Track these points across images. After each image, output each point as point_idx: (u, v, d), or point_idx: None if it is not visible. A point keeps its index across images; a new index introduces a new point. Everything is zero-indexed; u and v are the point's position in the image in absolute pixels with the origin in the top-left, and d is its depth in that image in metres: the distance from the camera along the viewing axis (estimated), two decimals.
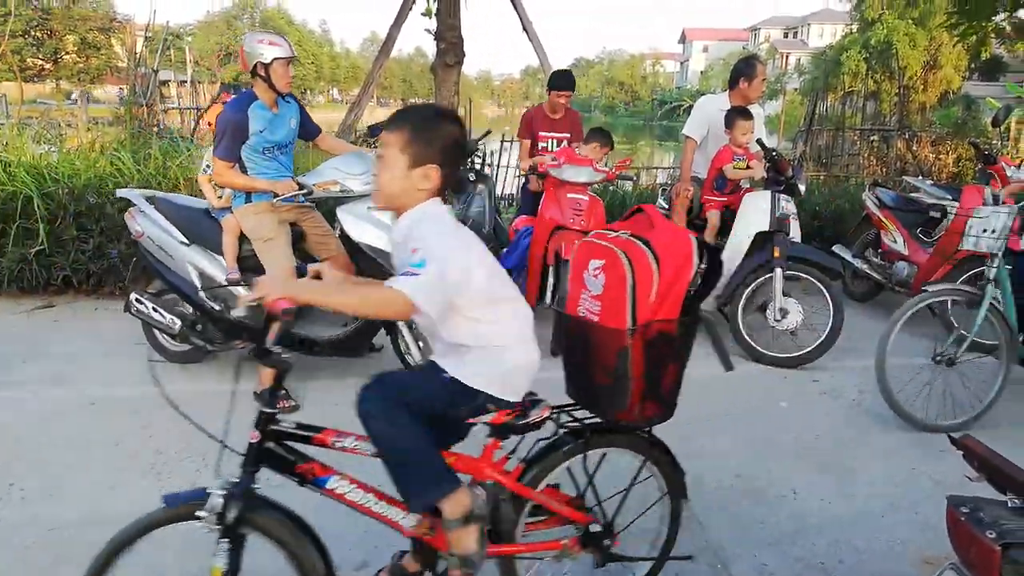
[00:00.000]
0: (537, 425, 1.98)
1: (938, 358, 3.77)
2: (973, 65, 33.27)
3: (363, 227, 3.83)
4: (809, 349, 4.61)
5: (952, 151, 9.33)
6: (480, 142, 6.19)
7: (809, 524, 2.90)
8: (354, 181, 3.84)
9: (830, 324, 4.56)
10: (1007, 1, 8.83)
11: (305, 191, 3.76)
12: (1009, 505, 1.44)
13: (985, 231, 3.75)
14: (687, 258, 1.94)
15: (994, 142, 8.63)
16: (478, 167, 6.16)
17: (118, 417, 3.62)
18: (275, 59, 3.67)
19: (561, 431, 2.11)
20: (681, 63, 79.11)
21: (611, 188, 6.57)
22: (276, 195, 3.75)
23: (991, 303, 3.68)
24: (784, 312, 4.59)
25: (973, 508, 1.41)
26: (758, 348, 4.65)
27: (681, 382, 2.10)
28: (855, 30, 37.19)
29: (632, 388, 1.96)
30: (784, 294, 4.60)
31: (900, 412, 3.75)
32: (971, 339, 3.71)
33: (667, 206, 5.36)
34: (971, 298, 3.73)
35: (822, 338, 4.58)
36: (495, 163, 8.05)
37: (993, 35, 17.05)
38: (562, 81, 5.37)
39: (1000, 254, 3.72)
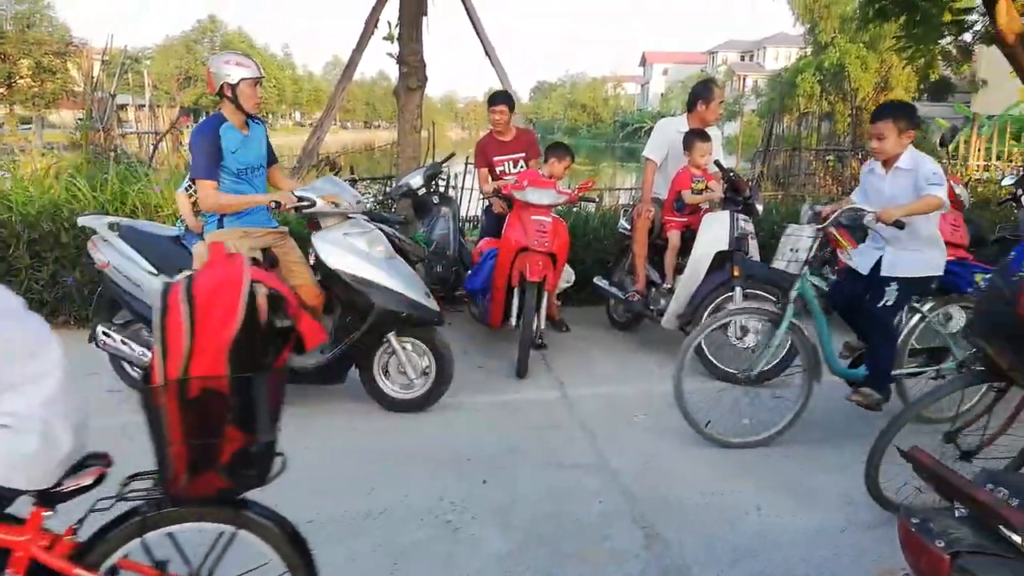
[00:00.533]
0: (82, 491, 1.70)
1: (742, 377, 3.74)
2: (923, 86, 34.38)
3: (341, 254, 3.79)
4: (771, 367, 4.66)
5: None
6: (444, 165, 6.21)
7: (772, 540, 2.93)
8: (346, 203, 3.86)
9: (787, 343, 4.63)
10: (952, 26, 9.16)
11: (307, 203, 3.71)
12: (956, 515, 1.48)
13: (792, 250, 3.76)
14: (232, 307, 1.62)
15: (943, 161, 8.92)
16: (442, 190, 6.18)
17: None
18: (242, 80, 3.65)
19: (122, 503, 1.77)
20: (642, 85, 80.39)
21: (575, 209, 6.63)
22: (278, 204, 3.69)
23: (792, 322, 3.63)
24: (744, 330, 4.66)
25: (923, 519, 1.45)
26: (720, 366, 4.70)
27: (271, 449, 1.80)
28: (809, 53, 38.24)
29: (172, 456, 1.67)
30: None
31: (698, 430, 3.71)
32: (769, 358, 3.71)
33: (629, 227, 5.43)
34: (773, 317, 3.69)
35: (782, 355, 4.64)
36: (459, 186, 8.08)
37: (940, 57, 17.67)
38: (496, 97, 5.45)
39: (802, 273, 3.68)
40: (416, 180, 5.68)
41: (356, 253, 3.80)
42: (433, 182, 5.85)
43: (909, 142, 3.50)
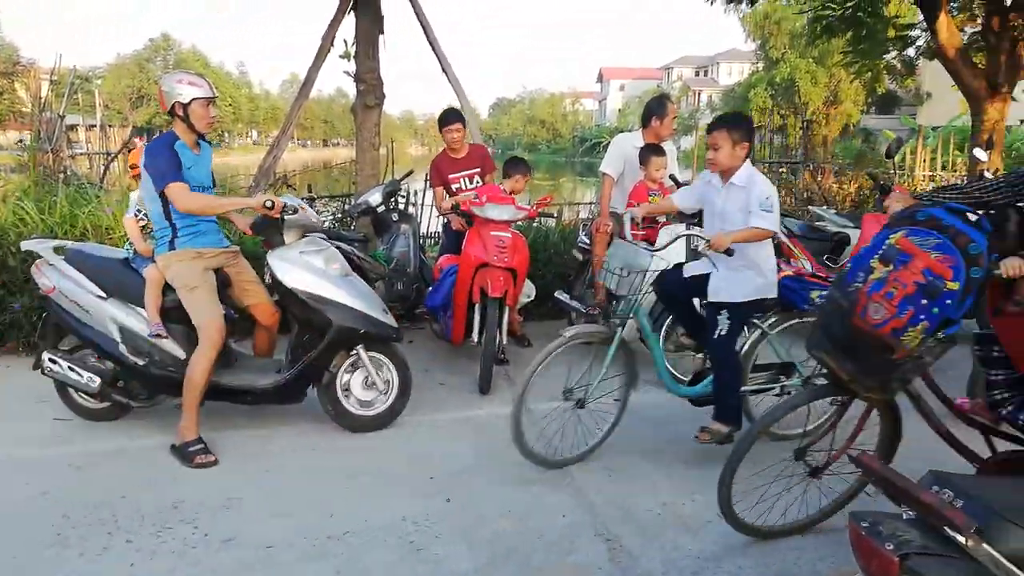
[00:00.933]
0: None
1: (568, 396, 3.57)
2: (870, 99, 35.46)
3: (296, 272, 3.76)
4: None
5: (853, 181, 9.88)
6: (403, 182, 6.21)
7: (734, 547, 2.97)
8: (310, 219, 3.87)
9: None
10: (896, 41, 9.49)
11: (290, 210, 3.69)
12: (904, 518, 1.52)
13: (621, 269, 3.59)
14: None
15: (891, 172, 9.19)
16: (401, 207, 6.17)
17: (17, 482, 3.39)
18: (194, 99, 3.62)
19: None
20: (599, 101, 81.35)
21: (535, 224, 6.68)
22: (272, 203, 3.64)
23: (623, 340, 3.52)
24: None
25: (872, 522, 1.49)
26: (680, 377, 4.75)
27: None
28: (761, 68, 39.21)
29: None
30: None
31: (527, 454, 3.54)
32: (599, 380, 3.52)
33: (588, 241, 5.48)
34: (605, 337, 3.53)
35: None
36: (419, 203, 8.07)
37: (886, 72, 18.24)
38: (448, 116, 5.49)
39: (632, 294, 3.53)
40: (375, 197, 5.67)
41: (312, 271, 3.77)
42: (392, 199, 5.84)
43: (744, 155, 3.41)
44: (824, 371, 2.76)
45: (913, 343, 2.22)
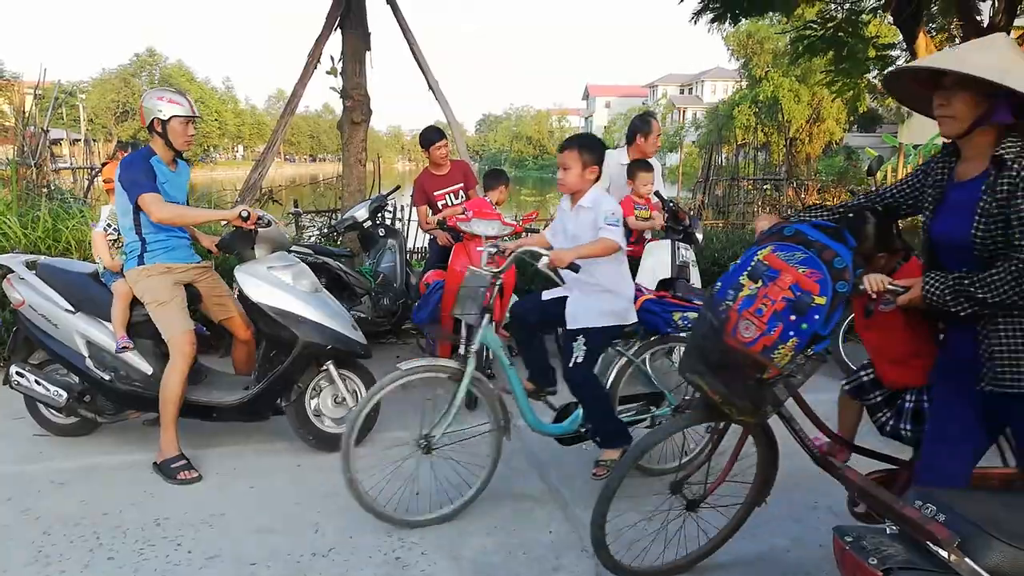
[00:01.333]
0: None
1: (422, 442, 3.21)
2: (852, 118, 35.92)
3: (263, 287, 3.74)
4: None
5: (836, 197, 10.00)
6: (389, 197, 6.22)
7: (720, 563, 2.97)
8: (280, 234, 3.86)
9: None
10: (876, 61, 9.65)
11: (264, 223, 3.69)
12: (888, 532, 1.53)
13: (471, 299, 3.41)
14: None
15: (873, 189, 9.33)
16: (388, 222, 6.18)
17: None
18: (174, 116, 3.63)
19: None
20: (585, 118, 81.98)
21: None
22: (248, 214, 3.60)
23: (476, 376, 3.21)
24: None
25: (856, 537, 1.50)
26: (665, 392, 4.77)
27: None
28: (744, 86, 39.64)
29: None
30: None
31: (369, 509, 3.14)
32: (451, 421, 3.21)
33: None
34: (454, 374, 3.22)
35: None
36: (405, 218, 8.08)
37: (867, 91, 18.52)
38: (430, 135, 5.51)
39: (482, 325, 3.28)
40: (362, 213, 5.67)
41: (279, 286, 3.75)
42: (379, 215, 5.85)
43: (593, 178, 3.27)
44: (697, 396, 2.60)
45: (783, 360, 2.16)
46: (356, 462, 3.06)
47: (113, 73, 57.52)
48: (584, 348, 3.28)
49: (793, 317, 2.13)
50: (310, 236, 7.56)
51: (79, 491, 3.44)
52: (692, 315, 3.48)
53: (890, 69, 2.34)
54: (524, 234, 5.74)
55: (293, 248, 3.78)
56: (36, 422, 4.00)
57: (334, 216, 7.74)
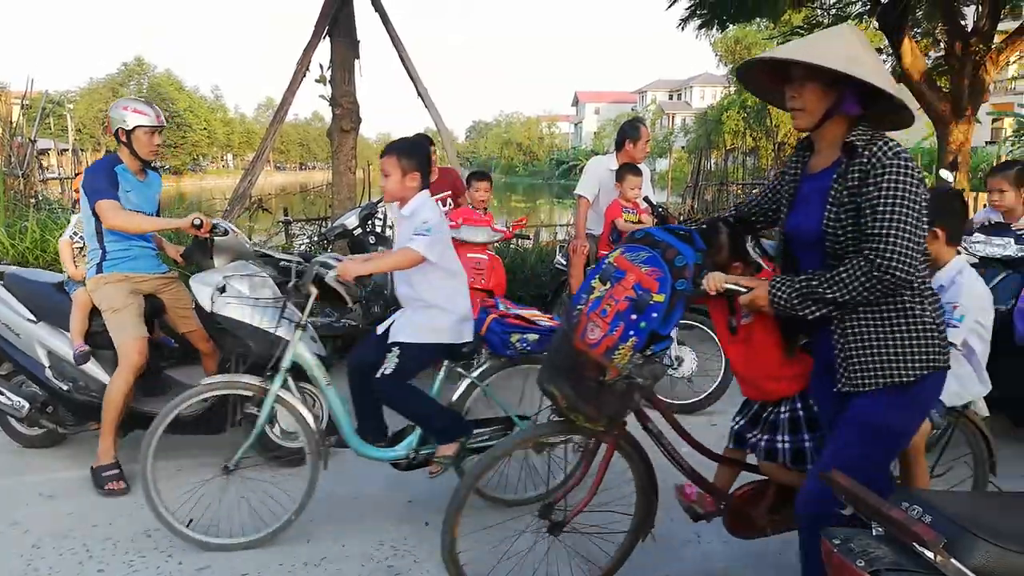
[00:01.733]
0: None
1: (230, 467, 3.10)
2: None
3: (217, 296, 3.60)
4: (706, 394, 4.79)
5: None
6: (379, 205, 6.21)
7: (715, 567, 2.98)
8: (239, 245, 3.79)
9: (723, 369, 4.77)
10: None
11: (220, 231, 3.63)
12: (874, 534, 1.54)
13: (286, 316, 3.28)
14: None
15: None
16: (378, 230, 6.17)
17: None
18: (138, 126, 3.64)
19: None
20: (575, 124, 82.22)
21: (512, 246, 6.71)
22: (201, 223, 3.55)
23: (280, 395, 3.08)
24: (680, 360, 4.77)
25: (844, 539, 1.51)
26: (656, 395, 4.79)
27: None
28: (733, 92, 39.80)
29: None
30: (679, 342, 4.79)
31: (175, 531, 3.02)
32: (255, 441, 3.12)
33: (565, 262, 5.52)
34: (257, 392, 3.09)
35: (717, 383, 4.78)
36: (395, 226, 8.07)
37: None
38: (421, 145, 5.47)
39: (293, 340, 3.15)
40: (351, 220, 5.66)
41: (233, 296, 3.63)
42: (369, 222, 5.83)
43: (415, 185, 3.07)
44: (554, 407, 2.51)
45: (623, 360, 2.14)
46: (158, 477, 2.96)
47: (101, 83, 57.29)
48: (396, 360, 3.04)
49: (634, 316, 2.14)
50: (300, 244, 7.55)
51: (68, 503, 3.42)
52: (532, 337, 3.30)
53: (742, 62, 2.31)
54: (514, 240, 5.77)
55: (283, 256, 3.71)
56: (5, 433, 3.98)
57: (324, 224, 7.74)
